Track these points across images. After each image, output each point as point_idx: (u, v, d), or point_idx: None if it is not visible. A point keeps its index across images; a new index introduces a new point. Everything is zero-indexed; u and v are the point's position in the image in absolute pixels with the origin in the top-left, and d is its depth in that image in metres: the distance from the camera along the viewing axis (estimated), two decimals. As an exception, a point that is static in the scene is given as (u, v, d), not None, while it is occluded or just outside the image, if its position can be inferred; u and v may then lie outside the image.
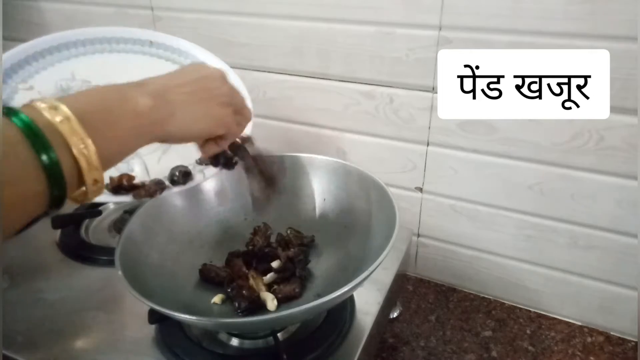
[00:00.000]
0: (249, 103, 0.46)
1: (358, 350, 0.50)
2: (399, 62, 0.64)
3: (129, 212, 0.69)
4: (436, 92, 0.64)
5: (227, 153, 0.49)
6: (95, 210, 0.74)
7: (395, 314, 0.69)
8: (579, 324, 0.68)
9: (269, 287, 0.54)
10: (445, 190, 0.70)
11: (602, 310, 0.66)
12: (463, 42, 0.59)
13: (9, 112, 0.27)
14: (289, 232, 0.60)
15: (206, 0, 0.73)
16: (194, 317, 0.42)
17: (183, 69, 0.43)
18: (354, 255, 0.55)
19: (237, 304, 0.51)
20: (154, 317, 0.50)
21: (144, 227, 0.55)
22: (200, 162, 0.54)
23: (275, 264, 0.56)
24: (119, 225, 0.70)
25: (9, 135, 0.26)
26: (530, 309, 0.71)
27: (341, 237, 0.59)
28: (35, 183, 0.27)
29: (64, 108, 0.28)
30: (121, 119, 0.33)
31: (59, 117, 0.28)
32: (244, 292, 0.51)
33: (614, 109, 0.55)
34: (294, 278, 0.55)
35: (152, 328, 0.52)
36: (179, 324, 0.51)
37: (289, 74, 0.73)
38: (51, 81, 0.55)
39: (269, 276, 0.55)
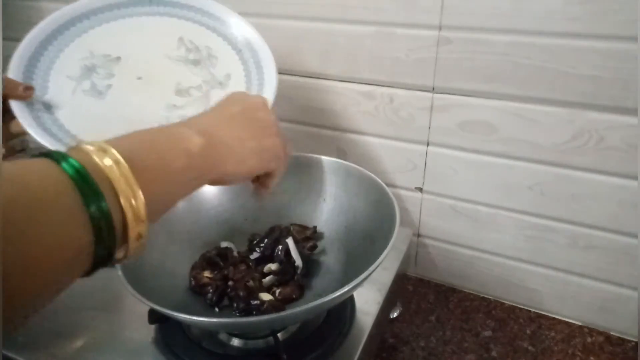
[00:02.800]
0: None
1: (358, 350, 0.50)
2: (399, 62, 0.64)
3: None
4: (436, 92, 0.64)
5: None
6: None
7: (395, 314, 0.69)
8: (579, 324, 0.68)
9: (269, 289, 0.54)
10: (445, 190, 0.70)
11: (602, 310, 0.66)
12: (463, 42, 0.59)
13: (58, 157, 0.24)
14: (292, 228, 0.60)
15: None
16: (194, 317, 0.42)
17: (226, 100, 0.40)
18: (354, 255, 0.55)
19: (235, 305, 0.51)
20: (154, 317, 0.51)
21: (144, 227, 0.55)
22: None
23: (274, 266, 0.56)
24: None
25: (55, 184, 0.23)
26: (530, 309, 0.71)
27: (341, 237, 0.59)
28: (81, 239, 0.24)
29: (113, 151, 0.26)
30: (173, 161, 0.30)
31: (108, 159, 0.25)
32: (241, 293, 0.51)
33: (614, 109, 0.55)
34: (292, 281, 0.55)
35: (152, 328, 0.52)
36: (179, 324, 0.51)
37: (289, 74, 0.73)
38: (74, 63, 0.55)
39: (268, 279, 0.55)
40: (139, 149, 0.28)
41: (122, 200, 0.25)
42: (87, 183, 0.24)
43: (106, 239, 0.24)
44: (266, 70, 0.57)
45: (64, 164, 0.24)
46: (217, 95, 0.55)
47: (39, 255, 0.22)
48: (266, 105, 0.41)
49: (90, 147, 0.25)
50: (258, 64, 0.58)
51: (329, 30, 0.67)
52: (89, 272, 0.26)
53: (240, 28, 0.60)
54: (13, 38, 1.03)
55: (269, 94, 0.54)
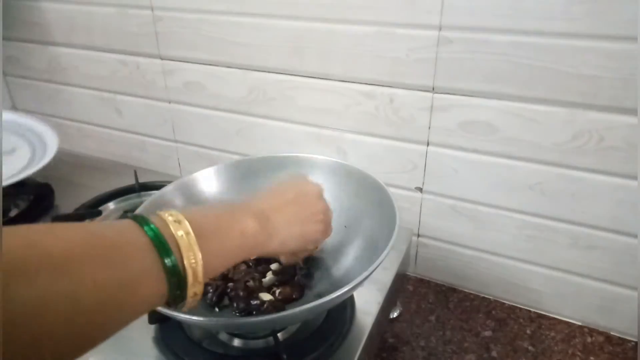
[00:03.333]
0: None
1: (358, 350, 0.50)
2: (399, 62, 0.64)
3: (129, 212, 0.69)
4: (436, 92, 0.64)
5: None
6: (95, 210, 0.74)
7: (395, 314, 0.69)
8: (579, 324, 0.68)
9: (269, 289, 0.54)
10: (445, 190, 0.70)
11: (602, 310, 0.66)
12: (463, 42, 0.59)
13: (143, 221, 0.31)
14: None
15: (206, 0, 0.73)
16: (194, 317, 0.42)
17: (287, 184, 0.47)
18: (354, 255, 0.55)
19: (235, 305, 0.51)
20: (154, 317, 0.50)
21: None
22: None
23: (274, 266, 0.56)
24: (119, 225, 0.70)
25: (142, 241, 0.30)
26: (531, 309, 0.71)
27: (341, 237, 0.59)
28: (158, 282, 0.30)
29: (186, 224, 0.32)
30: (229, 238, 0.37)
31: (181, 231, 0.32)
32: (241, 293, 0.51)
33: (614, 109, 0.55)
34: (293, 281, 0.54)
35: (152, 328, 0.52)
36: (179, 324, 0.51)
37: (289, 74, 0.73)
38: None
39: (268, 279, 0.55)
40: (205, 225, 0.34)
41: (186, 263, 0.31)
42: (162, 244, 0.30)
43: (175, 286, 0.31)
44: (48, 141, 0.78)
45: (146, 228, 0.30)
46: (4, 162, 0.74)
47: (124, 292, 0.28)
48: (321, 193, 0.48)
49: (169, 218, 0.32)
50: (40, 139, 0.80)
51: (329, 30, 0.67)
52: (171, 304, 0.33)
53: (19, 120, 0.85)
54: (13, 38, 1.03)
55: (49, 156, 0.73)
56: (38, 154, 0.77)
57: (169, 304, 0.32)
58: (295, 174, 0.49)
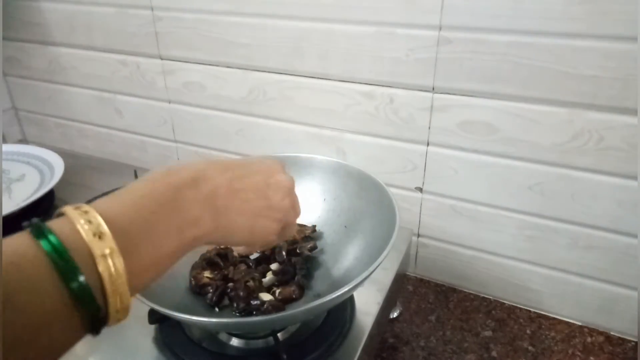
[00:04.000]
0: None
1: (358, 350, 0.50)
2: (399, 62, 0.64)
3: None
4: (436, 92, 0.64)
5: None
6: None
7: (395, 314, 0.69)
8: (579, 324, 0.68)
9: (269, 289, 0.54)
10: (445, 190, 0.70)
11: (602, 310, 0.66)
12: (463, 42, 0.59)
13: (39, 233, 0.23)
14: None
15: (206, 0, 0.73)
16: (194, 317, 0.42)
17: (256, 164, 0.39)
18: (354, 256, 0.55)
19: (235, 305, 0.51)
20: (154, 317, 0.50)
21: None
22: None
23: (274, 266, 0.56)
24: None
25: (35, 267, 0.23)
26: (530, 309, 0.71)
27: (341, 237, 0.59)
28: (61, 314, 0.23)
29: (104, 228, 0.25)
30: (164, 239, 0.29)
31: (97, 243, 0.24)
32: (241, 293, 0.51)
33: (614, 109, 0.55)
34: (293, 281, 0.54)
35: (152, 328, 0.52)
36: (179, 324, 0.51)
37: (289, 74, 0.73)
38: None
39: (268, 279, 0.55)
40: (131, 223, 0.27)
41: (108, 286, 0.24)
42: (65, 261, 0.23)
43: (89, 309, 0.24)
44: (55, 167, 0.82)
45: (43, 242, 0.23)
46: (17, 188, 0.79)
47: (21, 334, 0.22)
48: (289, 188, 0.40)
49: (76, 215, 0.25)
50: (48, 165, 0.84)
51: (329, 30, 0.67)
52: (93, 333, 0.26)
53: (28, 150, 0.89)
54: (13, 38, 1.03)
55: (56, 179, 0.78)
56: (46, 179, 0.81)
57: (96, 324, 0.26)
58: (268, 160, 0.40)
